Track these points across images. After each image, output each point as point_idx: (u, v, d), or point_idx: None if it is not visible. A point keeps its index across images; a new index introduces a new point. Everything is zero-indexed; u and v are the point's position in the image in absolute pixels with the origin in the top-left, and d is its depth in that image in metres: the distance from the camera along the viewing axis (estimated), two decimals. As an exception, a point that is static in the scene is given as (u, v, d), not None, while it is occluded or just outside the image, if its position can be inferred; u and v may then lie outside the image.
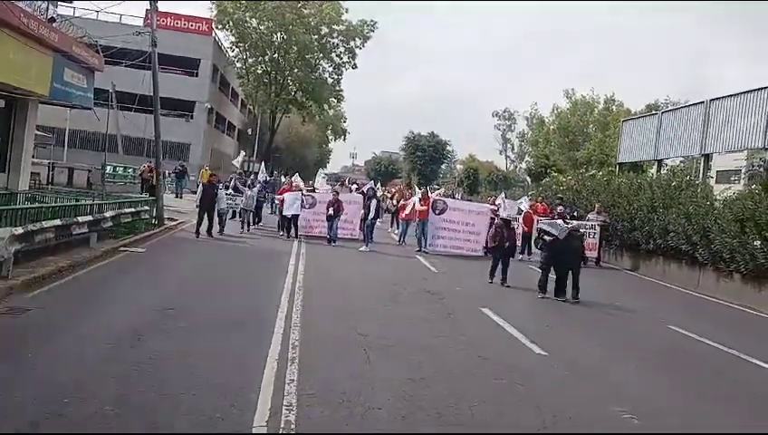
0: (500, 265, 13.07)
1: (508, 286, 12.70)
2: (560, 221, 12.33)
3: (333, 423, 4.99)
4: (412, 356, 7.17)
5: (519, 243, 18.89)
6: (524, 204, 19.76)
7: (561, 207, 13.68)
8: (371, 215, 17.77)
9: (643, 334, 9.82)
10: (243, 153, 31.88)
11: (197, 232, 16.37)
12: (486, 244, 18.12)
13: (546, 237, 11.89)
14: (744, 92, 18.00)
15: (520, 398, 6.14)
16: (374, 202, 18.09)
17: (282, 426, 4.78)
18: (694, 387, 7.19)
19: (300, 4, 48.17)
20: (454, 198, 22.80)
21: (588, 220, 18.16)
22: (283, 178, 28.66)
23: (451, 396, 5.91)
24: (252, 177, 24.73)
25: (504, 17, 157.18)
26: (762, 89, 17.16)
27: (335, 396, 5.54)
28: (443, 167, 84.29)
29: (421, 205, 18.54)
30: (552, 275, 11.92)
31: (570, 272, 11.70)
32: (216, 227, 17.01)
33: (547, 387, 6.60)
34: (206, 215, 16.57)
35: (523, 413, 5.68)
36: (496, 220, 14.00)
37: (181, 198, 27.65)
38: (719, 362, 8.50)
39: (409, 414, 5.31)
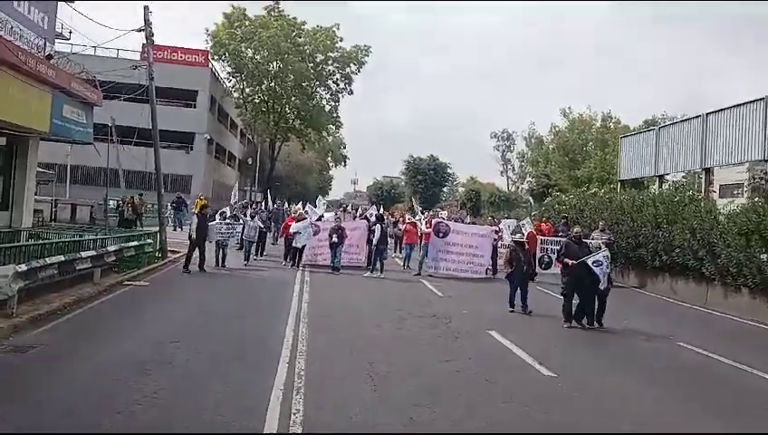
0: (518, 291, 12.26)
1: (530, 313, 11.95)
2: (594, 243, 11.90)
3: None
4: (419, 381, 7.08)
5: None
6: (527, 226, 19.64)
7: (577, 228, 12.65)
8: (377, 239, 17.34)
9: (653, 352, 9.68)
10: (236, 185, 31.82)
11: (186, 267, 15.76)
12: (493, 267, 18.20)
13: (567, 260, 11.08)
14: (741, 104, 18.06)
15: (529, 420, 6.05)
16: (379, 227, 17.65)
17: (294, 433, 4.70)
18: (707, 404, 7.06)
19: (294, 33, 48.86)
20: (463, 222, 22.63)
21: (592, 238, 18.06)
22: (286, 206, 28.54)
23: (459, 422, 5.81)
24: (254, 206, 24.35)
25: (500, 38, 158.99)
26: (758, 100, 17.23)
27: (343, 426, 5.45)
28: (444, 190, 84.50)
29: (426, 228, 18.53)
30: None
31: (594, 296, 10.96)
32: (212, 261, 16.51)
33: (557, 408, 6.49)
34: (197, 249, 15.90)
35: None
36: (509, 244, 13.32)
37: (181, 229, 27.63)
38: (731, 378, 8.35)
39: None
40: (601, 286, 10.84)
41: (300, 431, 5.20)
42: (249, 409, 5.73)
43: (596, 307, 11.09)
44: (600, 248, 11.48)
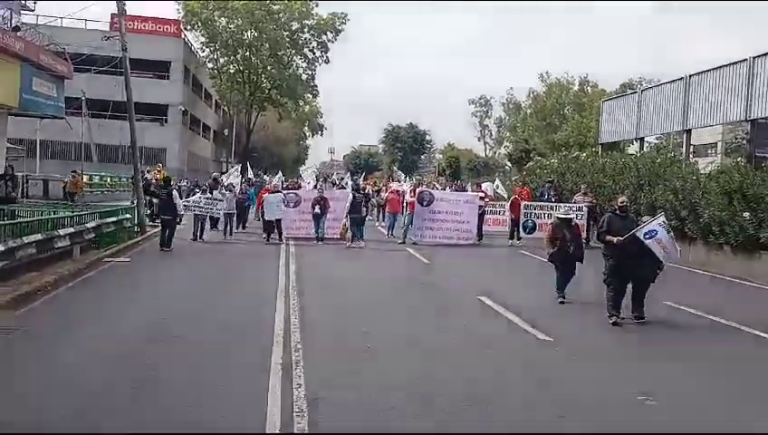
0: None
1: (563, 301, 9.95)
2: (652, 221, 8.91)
3: (348, 428, 4.83)
4: (415, 351, 7.04)
5: (508, 229, 18.98)
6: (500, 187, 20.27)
7: (623, 197, 9.93)
8: (347, 209, 17.06)
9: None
10: (238, 167, 29.73)
11: (162, 246, 14.78)
12: (479, 233, 18.22)
13: (610, 238, 8.77)
14: (724, 66, 18.13)
15: (530, 385, 6.04)
16: (350, 196, 17.41)
17: (295, 433, 4.60)
18: (699, 362, 7.14)
19: (269, 1, 47.60)
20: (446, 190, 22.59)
21: (574, 202, 18.16)
22: (266, 178, 27.95)
23: (462, 389, 5.79)
24: (223, 179, 21.71)
25: (477, 4, 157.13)
26: (741, 62, 17.30)
27: (345, 398, 5.38)
28: (422, 157, 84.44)
29: (411, 196, 18.40)
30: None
31: (641, 281, 8.82)
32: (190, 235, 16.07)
33: (556, 372, 6.50)
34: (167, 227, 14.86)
35: (538, 400, 5.58)
36: (553, 219, 11.22)
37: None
38: (719, 335, 8.47)
39: (423, 412, 5.16)
40: (668, 261, 8.92)
41: (305, 406, 5.11)
42: (251, 383, 5.63)
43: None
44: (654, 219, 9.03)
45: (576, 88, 51.63)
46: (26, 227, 11.09)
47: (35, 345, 6.85)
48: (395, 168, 41.70)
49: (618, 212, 9.20)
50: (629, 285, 8.75)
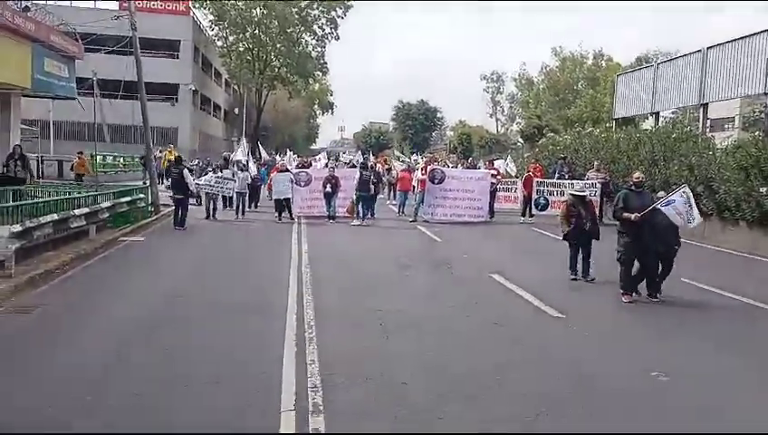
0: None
1: (593, 280, 9.79)
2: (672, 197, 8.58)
3: (361, 402, 4.89)
4: (428, 327, 7.10)
5: (520, 206, 18.92)
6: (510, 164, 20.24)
7: (638, 173, 9.75)
8: (355, 187, 17.16)
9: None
10: (243, 140, 29.65)
11: (176, 225, 15.00)
12: (491, 210, 18.13)
13: (628, 215, 8.48)
14: (743, 37, 17.72)
15: (543, 361, 6.07)
16: (357, 173, 17.47)
17: (310, 408, 4.67)
18: (714, 339, 7.12)
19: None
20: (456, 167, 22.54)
21: (587, 178, 18.02)
22: (278, 158, 27.95)
23: (473, 365, 5.84)
24: (232, 157, 21.17)
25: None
26: (761, 32, 16.90)
27: (359, 374, 5.43)
28: (434, 135, 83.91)
29: (422, 174, 18.36)
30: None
31: (661, 259, 8.48)
32: (198, 217, 16.10)
33: (569, 349, 6.54)
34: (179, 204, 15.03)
35: (550, 376, 5.60)
36: (567, 197, 10.87)
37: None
38: (735, 312, 8.42)
39: (435, 387, 5.22)
40: (690, 225, 8.72)
41: (318, 382, 5.18)
42: (265, 360, 5.70)
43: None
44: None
45: (590, 62, 50.78)
46: (43, 207, 11.22)
47: (55, 323, 6.98)
48: (397, 152, 41.34)
49: (633, 188, 8.95)
50: (644, 262, 8.49)
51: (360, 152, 34.50)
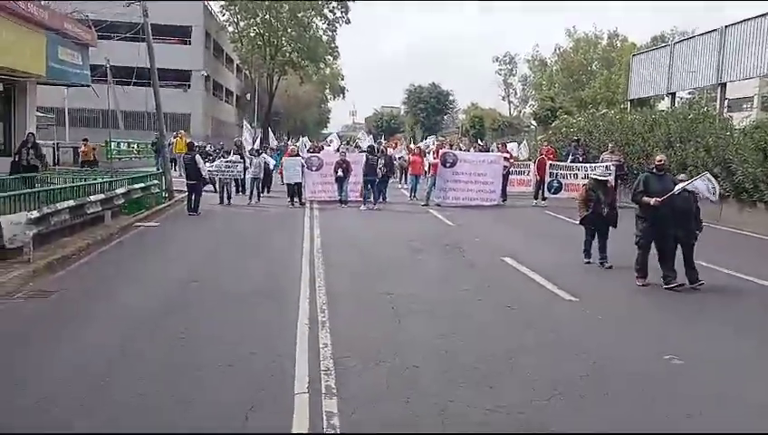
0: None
1: (610, 267, 9.50)
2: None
3: (373, 386, 4.92)
4: (440, 311, 7.11)
5: (533, 189, 18.82)
6: (524, 149, 20.60)
7: (661, 155, 9.30)
8: (363, 172, 17.12)
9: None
10: (245, 124, 29.83)
11: (189, 210, 15.29)
12: (503, 193, 18.03)
13: (647, 199, 8.26)
14: (762, 15, 17.32)
15: (556, 345, 6.05)
16: (364, 158, 17.39)
17: (323, 391, 4.71)
18: (730, 323, 7.04)
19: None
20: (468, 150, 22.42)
21: (602, 160, 17.85)
22: (289, 143, 27.99)
23: (485, 349, 5.84)
24: (241, 141, 20.85)
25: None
26: (781, 9, 16.56)
27: (371, 358, 5.46)
28: (445, 118, 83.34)
29: (434, 158, 18.29)
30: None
31: (680, 245, 8.26)
32: (208, 203, 16.10)
33: (582, 333, 6.52)
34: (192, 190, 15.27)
35: (563, 360, 5.59)
36: (588, 181, 10.41)
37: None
38: (752, 295, 8.33)
39: (448, 370, 5.24)
40: (713, 198, 8.60)
41: (331, 365, 5.22)
42: (279, 344, 5.75)
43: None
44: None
45: (605, 42, 50.06)
46: (59, 193, 11.34)
47: (72, 307, 7.09)
48: (417, 129, 41.16)
49: (655, 171, 8.66)
50: (662, 247, 8.32)
51: (372, 137, 34.32)
